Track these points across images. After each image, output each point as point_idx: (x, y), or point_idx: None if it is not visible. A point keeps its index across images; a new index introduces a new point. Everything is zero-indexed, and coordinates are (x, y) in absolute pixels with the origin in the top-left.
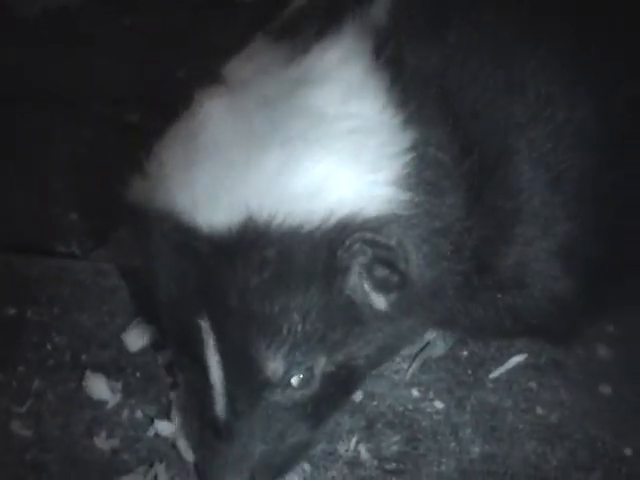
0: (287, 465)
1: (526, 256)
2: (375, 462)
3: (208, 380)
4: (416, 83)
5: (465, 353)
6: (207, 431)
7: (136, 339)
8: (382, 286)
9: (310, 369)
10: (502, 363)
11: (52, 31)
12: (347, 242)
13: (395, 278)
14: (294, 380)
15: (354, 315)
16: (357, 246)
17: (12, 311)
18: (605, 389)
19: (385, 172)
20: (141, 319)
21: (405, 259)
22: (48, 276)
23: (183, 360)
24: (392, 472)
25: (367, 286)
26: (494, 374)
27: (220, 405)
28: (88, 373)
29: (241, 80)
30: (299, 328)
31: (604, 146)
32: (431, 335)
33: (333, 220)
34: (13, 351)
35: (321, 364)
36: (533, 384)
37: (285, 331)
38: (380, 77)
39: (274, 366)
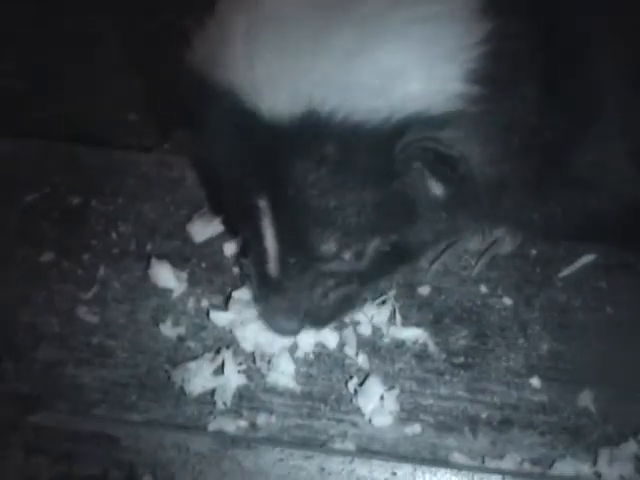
0: (334, 315)
1: (602, 154)
2: (443, 355)
3: (264, 247)
4: None
5: (534, 252)
6: (264, 289)
7: (201, 230)
8: (442, 178)
9: (362, 249)
10: (571, 262)
11: None
12: (406, 144)
13: (454, 177)
14: (346, 256)
15: (410, 207)
16: (418, 148)
17: (76, 200)
18: None
19: (458, 65)
20: (206, 210)
21: (466, 160)
22: (112, 167)
23: (244, 229)
24: (460, 365)
25: (426, 174)
26: (563, 273)
27: (273, 267)
28: (154, 261)
29: None
30: (353, 220)
31: None
32: (499, 232)
33: (395, 119)
34: (78, 239)
35: (373, 244)
36: (602, 284)
37: (339, 222)
38: None
39: (326, 248)
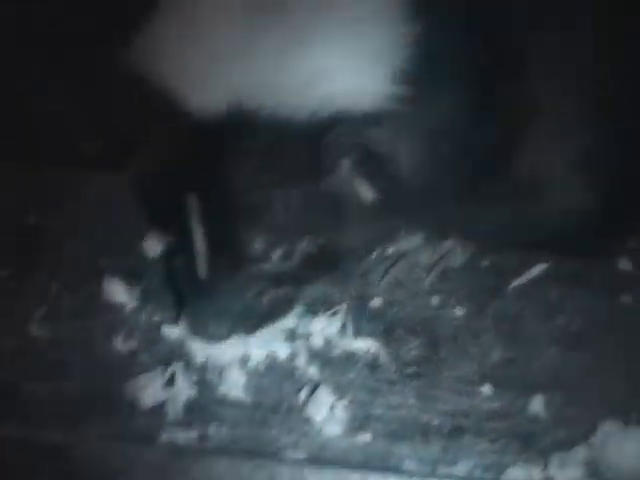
0: (267, 319)
1: (540, 163)
2: (394, 365)
3: (193, 247)
4: None
5: (486, 263)
6: (192, 292)
7: (154, 245)
8: (370, 179)
9: (290, 248)
10: (523, 273)
11: None
12: (334, 139)
13: (382, 178)
14: (274, 255)
15: (338, 210)
16: (345, 144)
17: (31, 218)
18: (626, 299)
19: (385, 65)
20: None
21: (394, 160)
22: (66, 186)
23: (172, 228)
24: (411, 375)
25: (354, 175)
26: (515, 283)
27: (201, 269)
28: (106, 277)
29: None
30: (280, 218)
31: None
32: (449, 244)
33: (323, 115)
34: (30, 258)
35: (301, 246)
36: (554, 293)
37: (266, 220)
38: None
39: (254, 247)
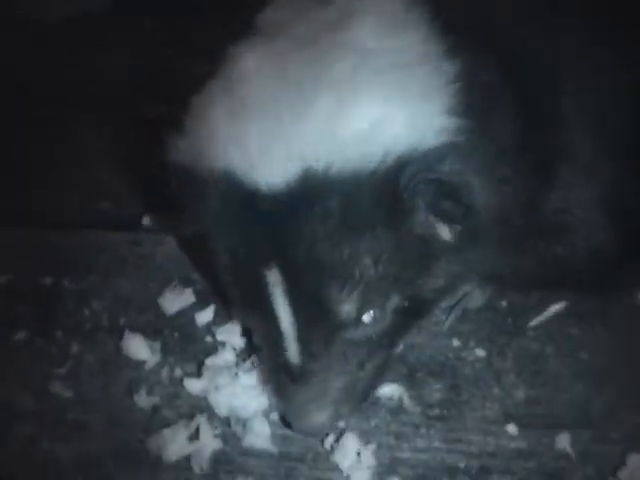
0: (368, 389)
1: (568, 201)
2: (418, 409)
3: (279, 328)
4: (459, 11)
5: (504, 303)
6: (283, 378)
7: (173, 302)
8: (448, 218)
9: (382, 307)
10: (542, 311)
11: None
12: (407, 180)
13: (460, 210)
14: (366, 317)
15: (425, 251)
16: (419, 183)
17: (48, 280)
18: None
19: (436, 101)
20: (177, 283)
21: (468, 190)
22: (84, 247)
23: (254, 314)
24: (435, 418)
25: (433, 218)
26: (534, 322)
27: (293, 351)
28: (126, 334)
29: (276, 27)
30: (371, 271)
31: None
32: (468, 287)
33: (390, 160)
34: (51, 318)
35: (394, 301)
36: (575, 330)
37: (357, 275)
38: (422, 8)
39: (348, 308)
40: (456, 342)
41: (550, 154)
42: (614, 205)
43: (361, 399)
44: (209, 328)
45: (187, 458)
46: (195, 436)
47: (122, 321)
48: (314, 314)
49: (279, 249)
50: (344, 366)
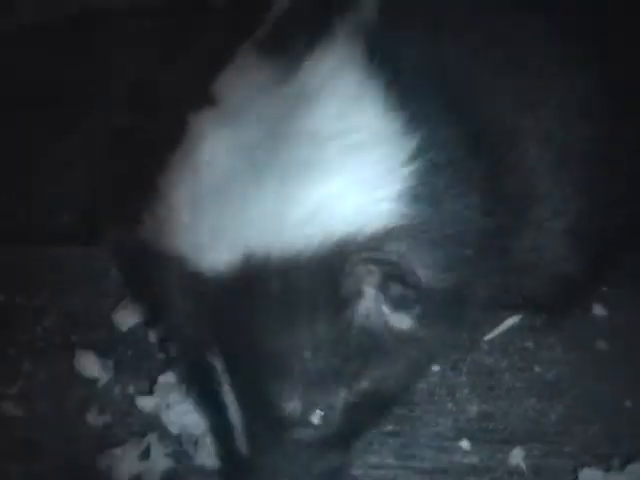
0: None
1: (539, 238)
2: None
3: (228, 418)
4: (414, 83)
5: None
6: (231, 465)
7: (126, 318)
8: (401, 304)
9: (330, 404)
10: (497, 325)
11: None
12: (348, 264)
13: (411, 292)
14: (314, 418)
15: (371, 343)
16: (361, 267)
17: (1, 297)
18: (601, 345)
19: (389, 187)
20: (130, 299)
21: (413, 272)
22: (38, 262)
23: (202, 399)
24: (389, 434)
25: (385, 308)
26: (489, 336)
27: (240, 442)
28: (79, 352)
29: (236, 101)
30: (311, 365)
31: (605, 120)
32: None
33: (330, 243)
34: (3, 335)
35: (341, 397)
36: (529, 344)
37: (297, 369)
38: (376, 82)
39: (291, 406)
40: None
41: (519, 201)
42: (583, 236)
43: None
44: (162, 345)
45: (138, 477)
46: (146, 455)
47: (75, 338)
48: (259, 408)
49: (223, 337)
50: (290, 466)
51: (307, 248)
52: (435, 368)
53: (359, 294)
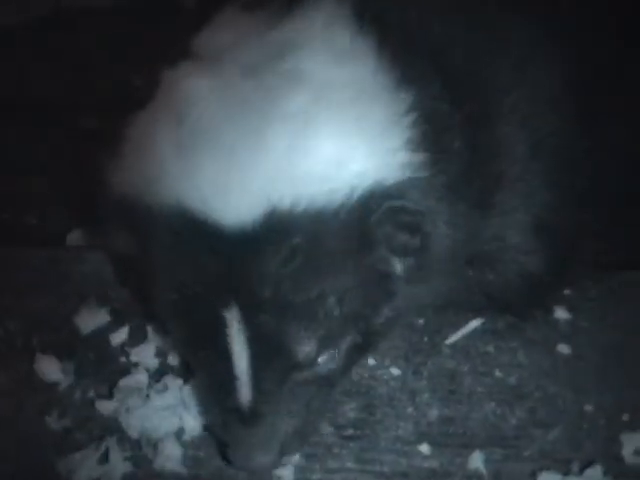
0: (312, 430)
1: (504, 229)
2: (331, 429)
3: (231, 369)
4: (404, 41)
5: (421, 321)
6: (231, 419)
7: (88, 321)
8: (402, 251)
9: (339, 347)
10: (458, 329)
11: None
12: (375, 214)
13: (415, 243)
14: (320, 358)
15: (384, 287)
16: (382, 216)
17: None
18: (563, 349)
19: (396, 136)
20: (93, 302)
21: (432, 221)
22: (0, 264)
23: (203, 354)
24: (349, 438)
25: (389, 252)
26: (451, 340)
27: (245, 393)
28: (39, 355)
29: (218, 51)
30: (336, 311)
31: (578, 113)
32: None
33: (356, 195)
34: None
35: (348, 339)
36: (491, 348)
37: (321, 315)
38: (367, 38)
39: (307, 350)
40: (371, 361)
41: (489, 182)
42: (547, 230)
43: (307, 438)
44: (123, 349)
45: None
46: (105, 459)
47: (36, 341)
48: (271, 355)
49: (240, 289)
50: (292, 407)
51: (332, 201)
52: (396, 372)
53: (376, 242)
